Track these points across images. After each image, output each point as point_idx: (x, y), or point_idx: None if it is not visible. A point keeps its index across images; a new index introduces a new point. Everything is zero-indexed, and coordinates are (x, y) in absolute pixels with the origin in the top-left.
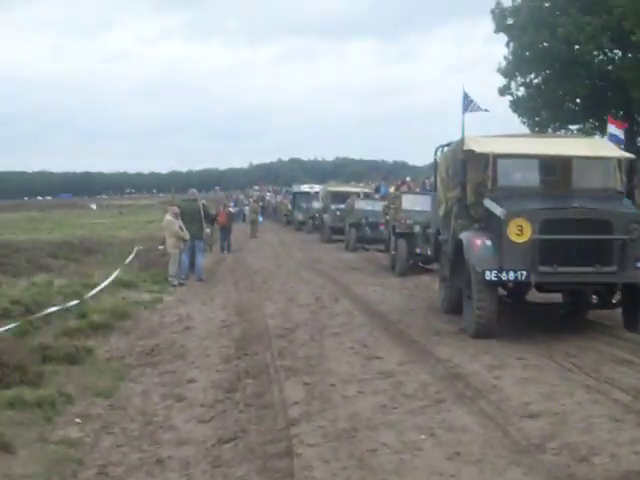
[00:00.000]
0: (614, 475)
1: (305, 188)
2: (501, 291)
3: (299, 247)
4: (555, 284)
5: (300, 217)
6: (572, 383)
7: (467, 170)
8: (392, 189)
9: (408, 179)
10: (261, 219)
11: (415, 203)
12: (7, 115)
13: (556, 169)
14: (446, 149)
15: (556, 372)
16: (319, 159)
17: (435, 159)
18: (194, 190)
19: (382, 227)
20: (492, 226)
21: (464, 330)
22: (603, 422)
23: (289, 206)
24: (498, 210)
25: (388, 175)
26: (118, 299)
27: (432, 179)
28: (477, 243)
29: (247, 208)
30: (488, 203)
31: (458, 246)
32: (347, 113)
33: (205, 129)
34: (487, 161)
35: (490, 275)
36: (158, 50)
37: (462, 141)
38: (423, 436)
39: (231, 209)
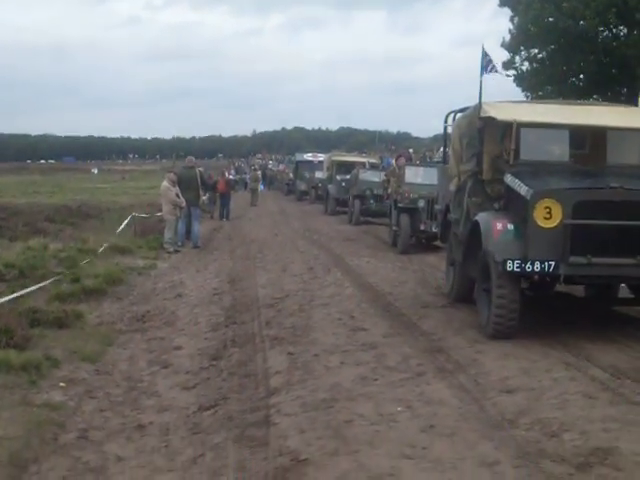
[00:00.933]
0: (582, 451)
1: (308, 157)
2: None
3: (299, 217)
4: (588, 277)
5: (302, 187)
6: (552, 359)
7: (485, 140)
8: (393, 161)
9: (411, 150)
10: (262, 187)
11: (420, 176)
12: (13, 79)
13: (587, 141)
14: (460, 116)
15: (537, 348)
16: (323, 128)
17: (445, 127)
18: (191, 157)
19: (387, 200)
20: (514, 207)
21: (482, 328)
22: (577, 399)
23: (291, 175)
24: (523, 189)
25: (392, 146)
26: (112, 264)
27: (434, 152)
28: (497, 227)
29: (249, 176)
30: (509, 179)
31: (473, 229)
32: (353, 83)
33: (210, 96)
34: (509, 130)
35: (512, 266)
36: (164, 16)
37: (479, 107)
38: (400, 408)
39: (231, 177)
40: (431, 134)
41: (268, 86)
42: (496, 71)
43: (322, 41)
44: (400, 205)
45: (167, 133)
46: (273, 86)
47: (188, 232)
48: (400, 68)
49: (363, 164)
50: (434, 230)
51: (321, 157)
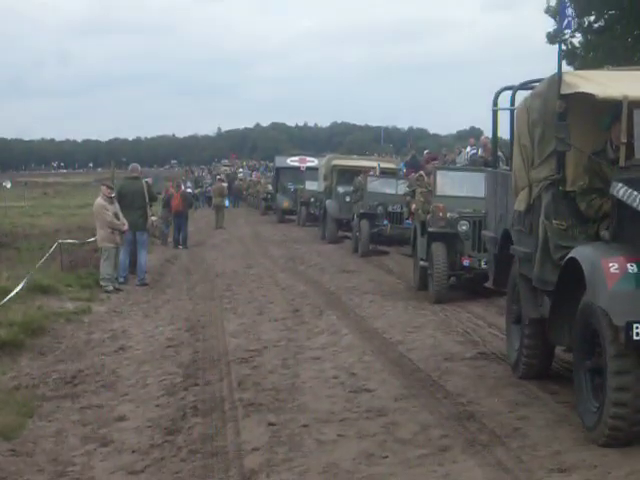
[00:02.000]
0: None
1: (293, 161)
2: None
3: (279, 243)
4: None
5: (285, 203)
6: None
7: (570, 130)
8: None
9: (426, 151)
10: (228, 204)
11: (460, 185)
12: None
13: None
14: (528, 95)
15: None
16: (310, 125)
17: (496, 111)
18: (136, 165)
19: (409, 220)
20: (634, 235)
21: (587, 429)
22: None
23: (269, 187)
24: None
25: (409, 142)
26: (32, 308)
27: (456, 153)
28: (611, 269)
29: (212, 189)
30: (621, 190)
31: (564, 271)
32: (349, 65)
33: (160, 84)
34: (614, 113)
35: None
36: None
37: (559, 79)
38: None
39: (189, 190)
40: (453, 130)
41: (237, 70)
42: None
43: (308, 7)
44: (431, 229)
45: (103, 134)
46: (243, 70)
47: (133, 264)
48: (412, 42)
49: (372, 170)
50: (483, 267)
51: (312, 162)
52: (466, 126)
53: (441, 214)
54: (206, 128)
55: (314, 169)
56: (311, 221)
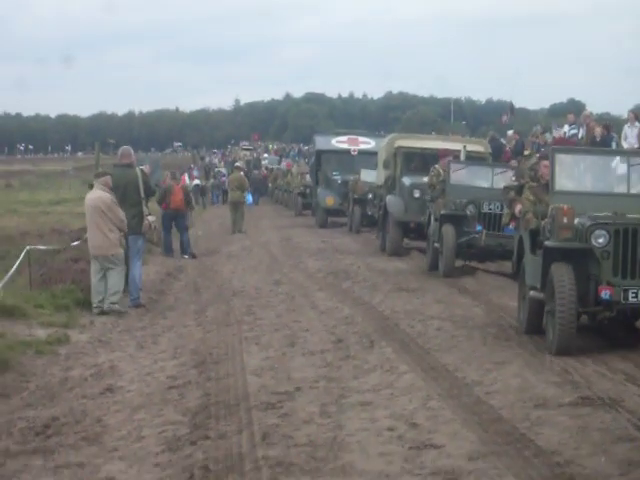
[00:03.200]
0: None
1: (341, 143)
2: None
3: (318, 252)
4: None
5: (329, 200)
6: None
7: None
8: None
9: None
10: (251, 200)
11: (593, 177)
12: None
13: None
14: None
15: None
16: (357, 96)
17: None
18: (128, 148)
19: (512, 225)
20: None
21: None
22: None
23: (307, 178)
24: None
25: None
26: None
27: (543, 133)
28: None
29: (227, 180)
30: None
31: None
32: (407, 20)
33: (160, 42)
34: None
35: None
36: None
37: None
38: None
39: (195, 181)
40: (545, 104)
41: (261, 25)
42: None
43: None
44: (550, 243)
45: (84, 107)
46: (270, 25)
47: (124, 279)
48: None
49: (454, 154)
50: (632, 301)
51: (367, 143)
52: (562, 98)
53: (565, 220)
54: (220, 100)
55: (370, 153)
56: (369, 225)
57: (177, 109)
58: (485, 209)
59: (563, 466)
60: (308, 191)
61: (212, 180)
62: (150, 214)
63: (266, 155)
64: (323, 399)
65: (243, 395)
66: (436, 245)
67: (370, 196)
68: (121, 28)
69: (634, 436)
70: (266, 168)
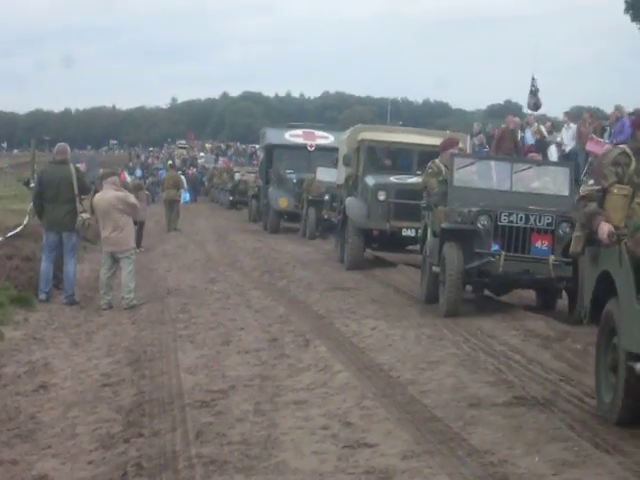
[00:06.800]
0: None
1: (295, 137)
2: None
3: (254, 252)
4: None
5: (283, 202)
6: None
7: None
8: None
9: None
10: (187, 198)
11: None
12: None
13: None
14: None
15: None
16: (294, 95)
17: None
18: (64, 145)
19: (543, 245)
20: None
21: None
22: None
23: (258, 180)
24: None
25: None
26: None
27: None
28: None
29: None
30: None
31: None
32: (345, 20)
33: (97, 39)
34: None
35: None
36: None
37: None
38: None
39: (135, 177)
40: (482, 105)
41: (198, 24)
42: None
43: None
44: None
45: (21, 104)
46: (207, 24)
47: (57, 277)
48: None
49: (455, 146)
50: None
51: (325, 137)
52: (499, 100)
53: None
54: (157, 98)
55: (329, 149)
56: (326, 231)
57: (114, 107)
58: (503, 221)
59: (497, 465)
60: (257, 192)
61: (151, 178)
62: (84, 211)
63: (202, 154)
64: (257, 397)
65: (177, 393)
66: (435, 270)
67: (327, 197)
68: (59, 25)
69: (568, 436)
70: (204, 167)
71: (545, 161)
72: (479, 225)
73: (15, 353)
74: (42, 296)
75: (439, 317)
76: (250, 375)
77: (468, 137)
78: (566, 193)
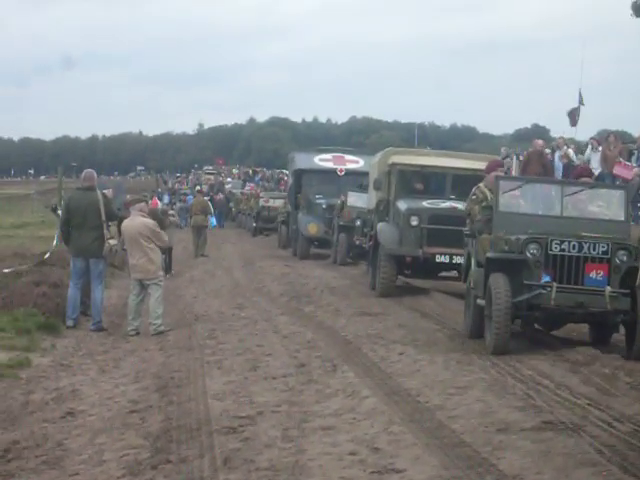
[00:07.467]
0: None
1: (325, 161)
2: None
3: (282, 277)
4: None
5: (312, 228)
6: None
7: None
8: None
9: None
10: (214, 223)
11: None
12: None
13: None
14: None
15: None
16: (321, 120)
17: None
18: (91, 172)
19: (601, 273)
20: None
21: None
22: None
23: (287, 205)
24: None
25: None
26: None
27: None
28: None
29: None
30: None
31: None
32: (373, 45)
33: (124, 65)
34: None
35: None
36: None
37: None
38: None
39: (163, 203)
40: (509, 129)
41: (225, 50)
42: None
43: None
44: None
45: (48, 131)
46: (234, 50)
47: (84, 303)
48: (454, 18)
49: (498, 167)
50: None
51: (355, 162)
52: (527, 124)
53: None
54: (184, 124)
55: (359, 174)
56: (357, 257)
57: (140, 133)
58: (555, 250)
59: None
60: (286, 219)
61: (179, 203)
62: (112, 237)
63: (230, 179)
64: (285, 423)
65: (205, 419)
66: (480, 302)
67: (358, 223)
68: (85, 51)
69: (596, 461)
70: (231, 192)
71: (598, 183)
72: (528, 254)
73: (42, 380)
74: (69, 322)
75: (467, 342)
76: (277, 401)
77: (514, 158)
78: (622, 218)
